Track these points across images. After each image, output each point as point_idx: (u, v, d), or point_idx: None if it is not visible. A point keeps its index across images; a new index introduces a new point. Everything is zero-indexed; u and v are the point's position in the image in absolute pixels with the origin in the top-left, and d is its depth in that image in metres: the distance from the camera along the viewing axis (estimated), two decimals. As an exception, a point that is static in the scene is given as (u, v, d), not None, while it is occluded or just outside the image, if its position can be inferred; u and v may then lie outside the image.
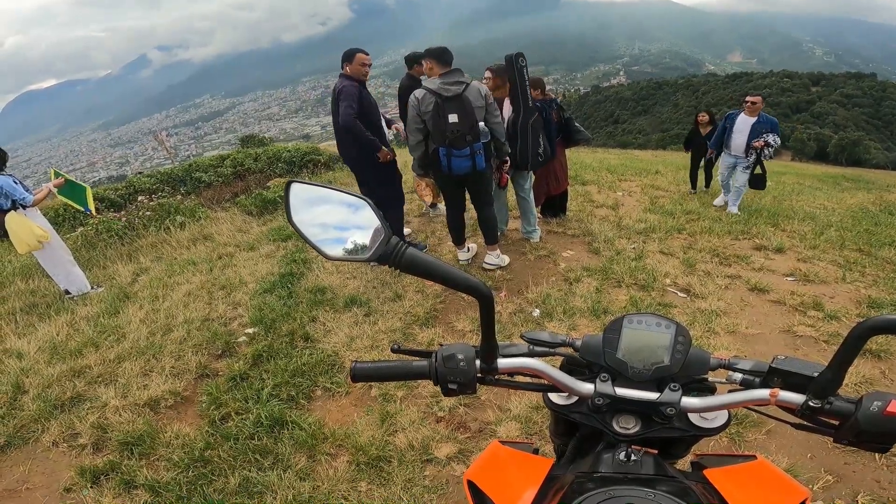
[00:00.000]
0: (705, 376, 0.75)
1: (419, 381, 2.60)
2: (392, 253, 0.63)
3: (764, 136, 5.39)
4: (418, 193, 4.31)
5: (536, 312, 3.34)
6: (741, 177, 5.68)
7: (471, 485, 0.75)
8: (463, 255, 4.13)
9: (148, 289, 4.25)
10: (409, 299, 3.56)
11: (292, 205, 0.68)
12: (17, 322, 3.96)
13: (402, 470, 2.11)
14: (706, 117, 6.57)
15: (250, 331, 3.31)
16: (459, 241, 4.08)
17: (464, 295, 3.16)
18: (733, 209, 5.79)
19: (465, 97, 3.33)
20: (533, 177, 4.49)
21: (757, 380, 0.72)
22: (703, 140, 6.43)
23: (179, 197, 6.98)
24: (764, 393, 0.68)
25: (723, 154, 5.93)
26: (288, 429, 2.39)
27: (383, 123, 4.15)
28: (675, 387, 0.69)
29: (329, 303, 3.62)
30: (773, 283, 3.76)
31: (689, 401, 0.69)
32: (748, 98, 5.54)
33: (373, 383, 2.65)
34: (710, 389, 0.75)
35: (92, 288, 4.39)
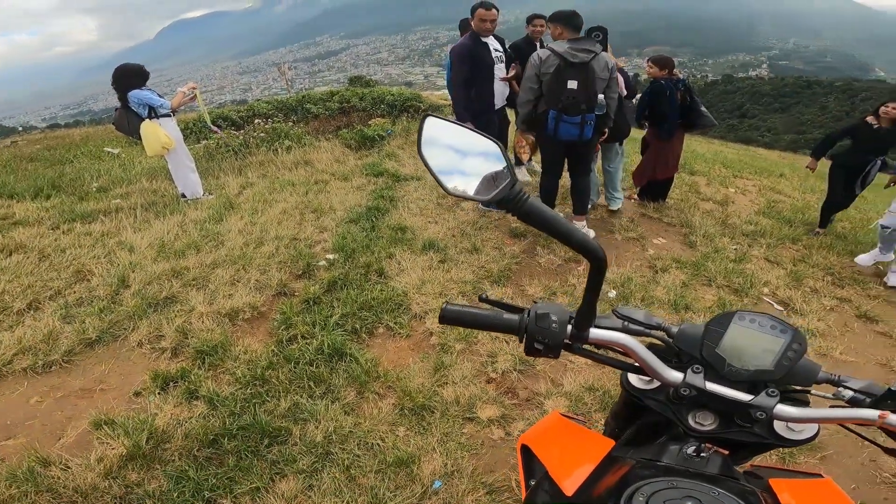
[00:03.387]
0: (808, 388, 0.72)
1: (480, 335, 2.65)
2: (514, 198, 0.62)
3: None
4: (517, 149, 4.38)
5: (612, 294, 3.20)
6: None
7: (524, 449, 0.76)
8: None
9: (250, 202, 4.59)
10: (486, 254, 3.55)
11: (424, 137, 0.68)
12: (136, 217, 4.31)
13: (442, 423, 2.13)
14: None
15: (331, 256, 3.48)
16: (551, 206, 3.98)
17: (541, 260, 3.10)
18: (894, 279, 3.73)
19: (591, 66, 3.25)
20: (622, 152, 4.36)
21: (867, 400, 0.68)
22: (874, 146, 4.22)
23: (290, 124, 7.40)
24: (872, 413, 0.64)
25: None
26: (345, 361, 2.47)
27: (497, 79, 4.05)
28: (773, 392, 0.67)
29: (408, 242, 3.70)
30: (886, 313, 3.34)
31: (784, 409, 0.66)
32: None
33: (438, 331, 2.70)
34: (804, 401, 0.72)
35: (204, 194, 4.84)
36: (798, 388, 0.72)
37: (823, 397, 0.74)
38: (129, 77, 4.30)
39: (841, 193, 4.49)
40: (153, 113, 4.34)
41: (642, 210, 4.61)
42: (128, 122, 4.41)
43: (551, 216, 0.63)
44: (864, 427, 0.67)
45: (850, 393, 0.70)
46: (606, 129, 3.74)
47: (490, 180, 0.65)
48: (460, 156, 0.68)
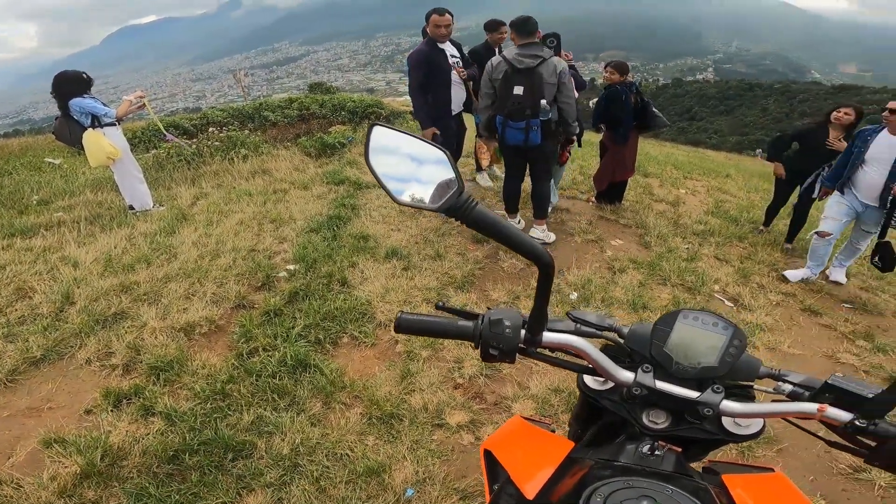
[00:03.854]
0: (751, 383, 0.74)
1: (446, 342, 2.65)
2: (462, 206, 0.62)
3: None
4: (478, 154, 4.43)
5: (574, 295, 3.27)
6: (862, 237, 3.72)
7: (487, 455, 0.76)
8: None
9: (204, 213, 4.44)
10: (450, 261, 3.56)
11: (372, 146, 0.68)
12: (80, 231, 4.12)
13: (412, 430, 2.14)
14: (851, 116, 3.89)
15: (291, 267, 3.41)
16: (512, 210, 4.06)
17: (504, 265, 3.13)
18: (839, 274, 3.90)
19: (538, 72, 3.27)
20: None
21: (806, 393, 0.70)
22: (825, 153, 4.00)
23: (247, 132, 7.20)
24: (811, 407, 0.66)
25: (836, 196, 3.69)
26: (309, 372, 2.44)
27: (454, 84, 4.09)
28: (718, 388, 0.69)
29: (370, 251, 3.67)
30: (829, 307, 3.56)
31: (729, 405, 0.68)
32: (890, 104, 3.29)
33: (400, 338, 2.69)
34: (750, 397, 0.74)
35: (154, 206, 4.65)
36: (743, 383, 0.74)
37: (765, 392, 0.76)
38: (69, 84, 4.12)
39: (786, 197, 4.56)
40: (96, 122, 4.17)
41: (600, 212, 4.74)
42: (69, 131, 4.22)
43: (499, 223, 0.64)
44: (807, 420, 0.69)
45: (790, 387, 0.72)
46: (575, 138, 3.78)
47: (438, 189, 0.65)
48: (408, 165, 0.68)
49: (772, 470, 0.72)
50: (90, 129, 4.16)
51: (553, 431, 0.83)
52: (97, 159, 4.24)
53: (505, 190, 3.98)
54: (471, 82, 4.28)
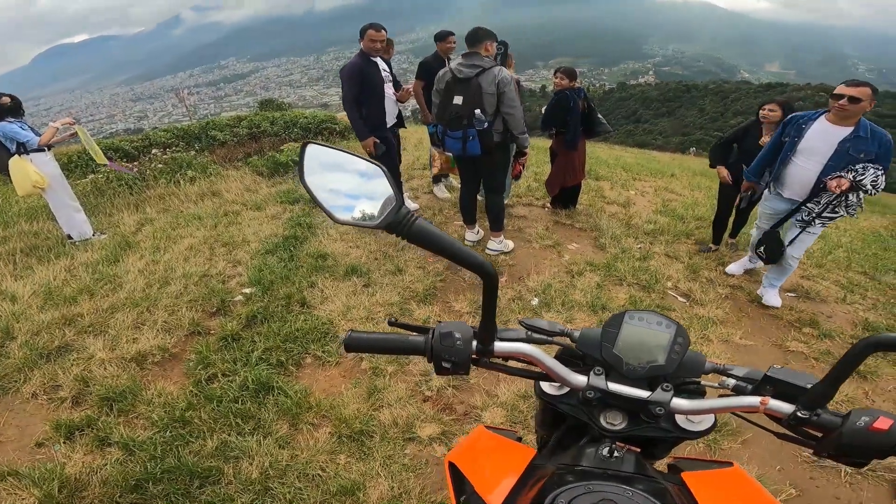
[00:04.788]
0: (697, 379, 0.75)
1: (412, 357, 2.63)
2: (402, 222, 0.62)
3: (855, 168, 2.81)
4: (432, 163, 4.49)
5: (535, 301, 3.32)
6: (800, 239, 3.20)
7: (452, 467, 0.75)
8: (470, 237, 4.11)
9: (151, 239, 4.26)
10: (410, 274, 3.54)
11: (306, 165, 0.67)
12: (15, 263, 3.95)
13: (383, 446, 2.12)
14: (777, 112, 3.59)
15: (247, 291, 3.31)
16: (469, 221, 4.07)
17: (465, 276, 3.14)
18: (771, 297, 3.51)
19: (476, 82, 3.25)
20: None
21: (749, 387, 0.71)
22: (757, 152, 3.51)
23: (193, 153, 6.95)
24: (754, 400, 0.67)
25: (767, 194, 3.41)
26: (273, 395, 2.39)
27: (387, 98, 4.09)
28: (667, 387, 0.69)
29: (329, 269, 3.61)
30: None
31: (678, 402, 0.69)
32: (840, 89, 2.79)
33: (364, 355, 2.66)
34: (700, 393, 0.75)
35: (94, 234, 4.43)
36: (693, 380, 0.75)
37: (714, 387, 0.77)
38: None
39: (731, 207, 4.19)
40: (22, 148, 3.93)
41: (556, 218, 4.84)
42: None
43: (439, 237, 0.63)
44: (754, 413, 0.70)
45: (734, 381, 0.73)
46: (526, 151, 3.72)
47: (377, 205, 0.64)
48: (344, 183, 0.67)
49: (731, 464, 0.73)
50: (16, 156, 3.92)
51: (519, 439, 0.83)
52: (23, 188, 4.00)
53: (461, 200, 4.01)
54: (415, 93, 4.32)
